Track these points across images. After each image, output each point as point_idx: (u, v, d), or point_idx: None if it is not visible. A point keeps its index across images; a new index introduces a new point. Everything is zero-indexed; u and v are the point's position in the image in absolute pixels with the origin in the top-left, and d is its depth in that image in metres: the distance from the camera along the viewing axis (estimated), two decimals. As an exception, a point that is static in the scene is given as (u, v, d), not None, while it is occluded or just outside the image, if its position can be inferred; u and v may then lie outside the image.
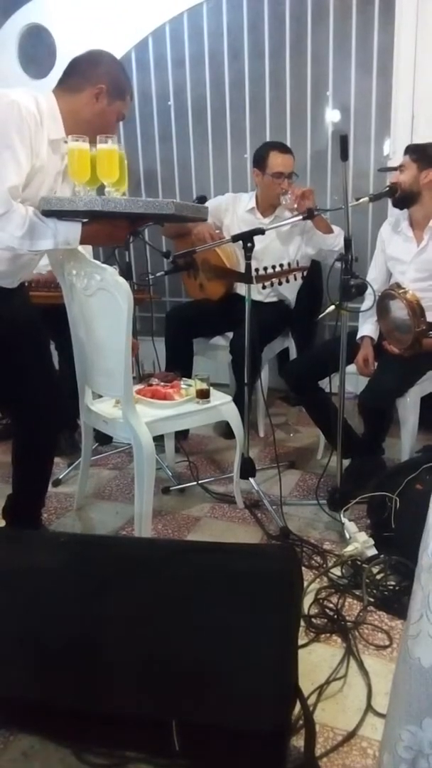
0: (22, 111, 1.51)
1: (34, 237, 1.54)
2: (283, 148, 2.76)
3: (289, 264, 2.36)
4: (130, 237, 2.11)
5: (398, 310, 2.09)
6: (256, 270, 2.20)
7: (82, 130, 1.65)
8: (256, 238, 2.15)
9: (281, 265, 2.27)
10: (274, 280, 2.27)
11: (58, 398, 1.92)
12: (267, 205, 2.86)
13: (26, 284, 1.98)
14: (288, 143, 3.32)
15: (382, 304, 2.17)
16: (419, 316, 2.02)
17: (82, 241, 1.61)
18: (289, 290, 2.89)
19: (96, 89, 1.67)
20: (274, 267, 2.24)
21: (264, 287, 2.23)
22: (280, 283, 2.34)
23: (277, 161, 2.73)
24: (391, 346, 2.25)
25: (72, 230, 1.59)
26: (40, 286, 2.76)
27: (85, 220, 1.62)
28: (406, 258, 2.37)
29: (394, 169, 2.45)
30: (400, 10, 2.94)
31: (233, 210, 2.94)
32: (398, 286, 2.18)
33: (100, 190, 1.71)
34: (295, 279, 2.41)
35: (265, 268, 2.23)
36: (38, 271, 2.84)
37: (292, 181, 2.74)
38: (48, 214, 1.56)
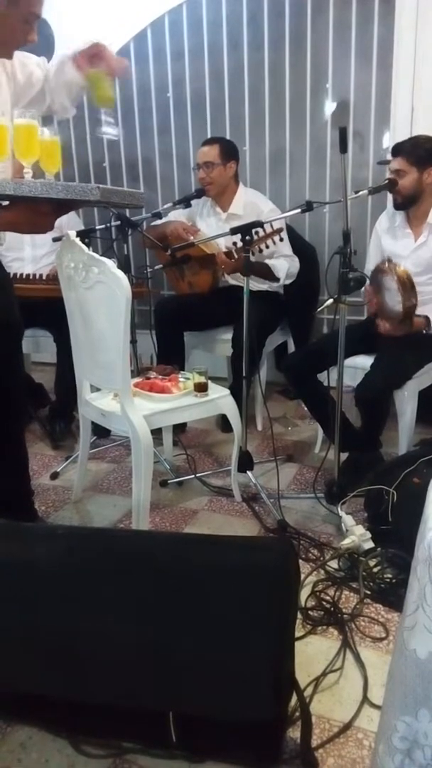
0: None
1: None
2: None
3: (272, 226, 2.30)
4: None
5: (389, 284, 2.08)
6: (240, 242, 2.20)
7: None
8: (215, 221, 2.43)
9: (263, 228, 2.24)
10: (261, 245, 2.27)
11: (22, 386, 1.86)
12: (215, 195, 2.94)
13: (13, 275, 1.90)
14: (287, 135, 3.34)
15: (376, 280, 2.16)
16: (409, 290, 2.01)
17: (1, 228, 1.45)
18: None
19: None
20: (257, 232, 2.22)
21: (253, 253, 2.22)
22: (267, 247, 2.34)
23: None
24: (383, 322, 2.24)
25: None
26: (38, 280, 2.77)
27: (5, 203, 1.44)
28: (404, 253, 2.37)
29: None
30: (401, 2, 2.93)
31: (200, 213, 3.03)
32: (389, 260, 2.16)
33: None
34: (274, 243, 2.36)
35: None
36: (39, 271, 2.84)
37: (210, 170, 2.85)
38: None
